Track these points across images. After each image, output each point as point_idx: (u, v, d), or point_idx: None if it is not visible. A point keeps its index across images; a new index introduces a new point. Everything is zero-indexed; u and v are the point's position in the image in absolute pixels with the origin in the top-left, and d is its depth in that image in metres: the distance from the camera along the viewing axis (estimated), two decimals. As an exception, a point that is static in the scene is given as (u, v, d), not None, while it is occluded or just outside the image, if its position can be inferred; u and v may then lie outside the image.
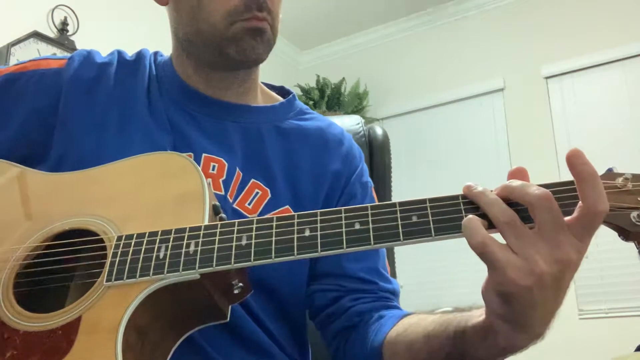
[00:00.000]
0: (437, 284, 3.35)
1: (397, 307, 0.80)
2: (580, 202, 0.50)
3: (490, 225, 0.52)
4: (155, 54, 0.89)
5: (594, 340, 2.81)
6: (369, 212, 0.55)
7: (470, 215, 0.52)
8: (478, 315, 0.57)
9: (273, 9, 0.78)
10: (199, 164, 0.76)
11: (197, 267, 0.56)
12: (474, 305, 0.60)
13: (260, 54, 0.78)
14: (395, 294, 0.83)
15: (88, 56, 0.84)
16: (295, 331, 0.82)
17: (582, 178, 0.50)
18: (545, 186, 0.52)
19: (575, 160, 0.50)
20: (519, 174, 0.54)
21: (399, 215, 0.54)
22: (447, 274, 3.30)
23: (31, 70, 0.82)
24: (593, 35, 3.24)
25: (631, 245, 0.53)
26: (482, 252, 0.50)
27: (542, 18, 3.44)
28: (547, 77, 3.37)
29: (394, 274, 1.00)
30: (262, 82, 0.92)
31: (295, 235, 0.56)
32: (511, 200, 0.52)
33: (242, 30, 0.75)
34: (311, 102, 3.68)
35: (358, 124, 1.22)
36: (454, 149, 3.56)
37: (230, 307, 0.63)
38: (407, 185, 3.44)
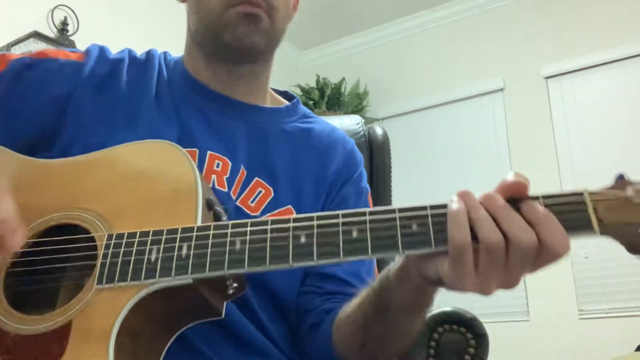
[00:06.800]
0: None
1: None
2: (541, 246, 0.48)
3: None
4: (165, 53, 0.91)
5: (594, 340, 2.81)
6: (367, 217, 0.53)
7: (461, 207, 0.50)
8: (394, 267, 0.60)
9: (272, 1, 0.78)
10: (204, 161, 0.76)
11: (189, 272, 0.54)
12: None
13: (256, 42, 0.79)
14: None
15: (102, 52, 0.85)
16: (294, 333, 0.81)
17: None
18: (551, 199, 0.51)
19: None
20: (517, 187, 0.51)
21: (397, 222, 0.52)
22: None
23: (51, 58, 0.81)
24: (593, 35, 3.24)
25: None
26: (459, 251, 0.49)
27: (542, 18, 3.44)
28: (547, 77, 3.36)
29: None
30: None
31: (291, 243, 0.53)
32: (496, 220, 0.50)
33: (236, 16, 0.77)
34: (311, 102, 3.68)
35: (358, 124, 1.22)
36: (454, 149, 3.55)
37: (224, 304, 0.62)
38: (407, 185, 3.44)
